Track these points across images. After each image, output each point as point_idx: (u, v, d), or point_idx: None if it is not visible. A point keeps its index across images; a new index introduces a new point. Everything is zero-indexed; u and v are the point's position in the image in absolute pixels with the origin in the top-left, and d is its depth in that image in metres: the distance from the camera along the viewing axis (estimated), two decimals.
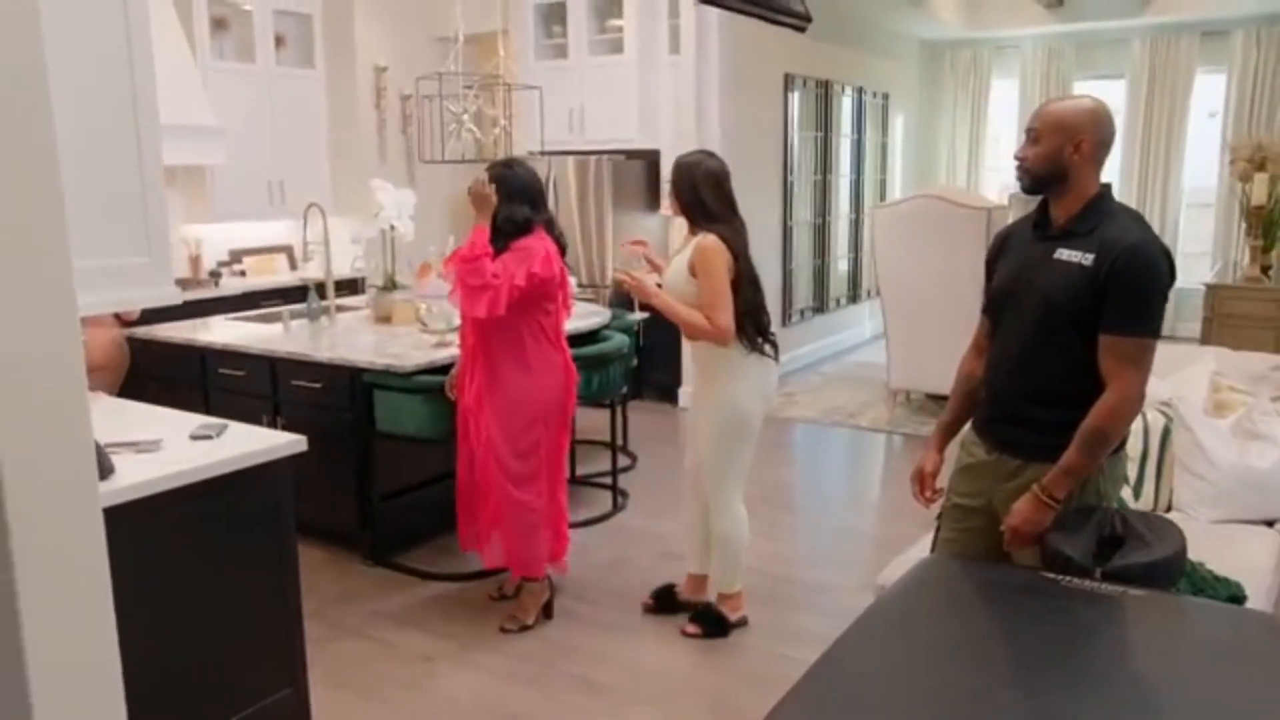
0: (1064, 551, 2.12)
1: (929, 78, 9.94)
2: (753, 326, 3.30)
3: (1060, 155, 2.16)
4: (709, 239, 3.24)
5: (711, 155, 3.41)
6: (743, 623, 3.57)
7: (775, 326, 3.44)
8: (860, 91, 8.61)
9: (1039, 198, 2.29)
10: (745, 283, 3.26)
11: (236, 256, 6.72)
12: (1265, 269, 6.18)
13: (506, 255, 3.31)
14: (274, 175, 6.68)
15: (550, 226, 3.46)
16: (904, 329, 6.25)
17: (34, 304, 1.70)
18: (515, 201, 3.35)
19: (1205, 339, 5.79)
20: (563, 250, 3.47)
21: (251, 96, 6.55)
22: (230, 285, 6.32)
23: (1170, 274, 2.12)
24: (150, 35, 2.26)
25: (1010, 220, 5.40)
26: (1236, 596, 2.52)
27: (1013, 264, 2.30)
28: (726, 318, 3.19)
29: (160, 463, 2.44)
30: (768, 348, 3.35)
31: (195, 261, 6.43)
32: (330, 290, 5.03)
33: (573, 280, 5.90)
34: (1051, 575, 2.05)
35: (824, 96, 7.97)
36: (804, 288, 7.98)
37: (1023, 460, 2.26)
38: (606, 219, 6.62)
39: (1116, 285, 2.08)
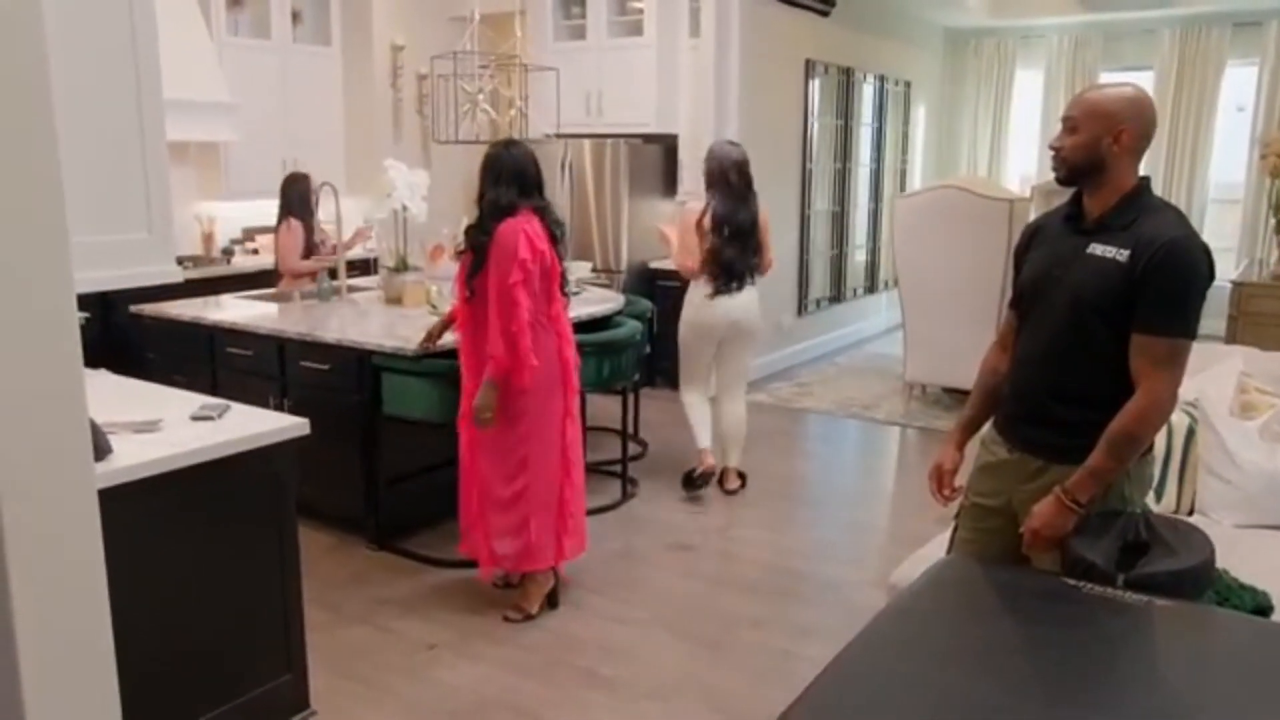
0: (1086, 557, 2.04)
1: (952, 66, 9.79)
2: (719, 268, 4.44)
3: (1098, 146, 2.08)
4: (687, 206, 4.58)
5: (735, 144, 4.55)
6: (703, 476, 4.72)
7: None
8: (882, 79, 8.48)
9: (1063, 190, 2.21)
10: (713, 235, 4.39)
11: (250, 234, 6.68)
12: None
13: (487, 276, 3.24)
14: (288, 153, 6.62)
15: (545, 212, 3.35)
16: (921, 321, 6.16)
17: (28, 279, 1.66)
18: (503, 184, 3.27)
19: (1230, 338, 5.67)
20: (557, 238, 3.37)
21: (266, 73, 6.50)
22: (242, 263, 6.29)
23: (1210, 273, 2.04)
24: (154, 7, 2.20)
25: (1032, 213, 5.30)
26: (1263, 606, 2.44)
27: (1043, 258, 2.22)
28: (681, 258, 4.56)
29: (159, 443, 2.39)
30: (721, 284, 4.45)
31: (208, 239, 6.40)
32: (341, 271, 4.99)
33: (584, 265, 5.85)
34: (1073, 582, 1.98)
35: (845, 84, 7.85)
36: (820, 277, 7.89)
37: (1045, 461, 2.19)
38: (623, 204, 6.53)
39: (1152, 283, 2.00)
